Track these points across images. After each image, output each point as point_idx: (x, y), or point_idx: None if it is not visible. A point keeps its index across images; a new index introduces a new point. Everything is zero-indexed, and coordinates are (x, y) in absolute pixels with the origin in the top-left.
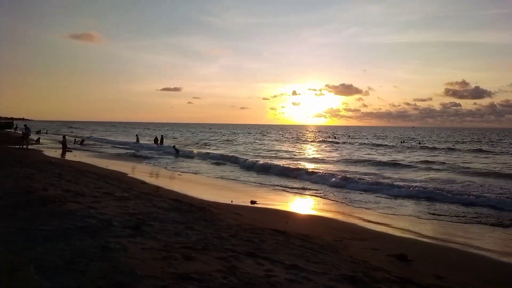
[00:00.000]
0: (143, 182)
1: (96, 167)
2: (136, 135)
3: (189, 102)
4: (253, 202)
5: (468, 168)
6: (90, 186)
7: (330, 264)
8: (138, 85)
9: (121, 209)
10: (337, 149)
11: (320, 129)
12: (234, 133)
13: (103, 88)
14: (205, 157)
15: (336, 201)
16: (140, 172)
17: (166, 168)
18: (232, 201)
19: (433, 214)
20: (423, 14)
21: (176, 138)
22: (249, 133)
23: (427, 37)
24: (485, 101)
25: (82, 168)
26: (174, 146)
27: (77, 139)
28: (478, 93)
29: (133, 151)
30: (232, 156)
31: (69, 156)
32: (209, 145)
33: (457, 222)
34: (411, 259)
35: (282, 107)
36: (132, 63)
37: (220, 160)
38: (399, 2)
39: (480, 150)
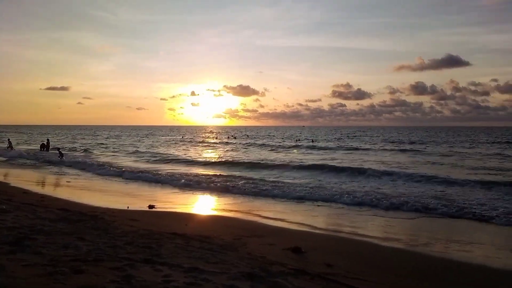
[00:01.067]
0: (25, 192)
1: None
2: (8, 139)
3: (79, 103)
4: (151, 206)
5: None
6: None
7: (229, 263)
8: (18, 83)
9: None
10: (232, 150)
11: (219, 130)
12: (118, 135)
13: None
14: (88, 163)
15: (236, 200)
16: (22, 180)
17: (51, 175)
18: (128, 207)
19: (321, 206)
20: (311, 19)
21: (58, 142)
22: (136, 135)
23: (316, 42)
24: (366, 102)
25: None
26: (59, 149)
27: None
28: (360, 94)
29: (7, 158)
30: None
31: None
32: (90, 150)
33: (343, 214)
34: (305, 251)
35: (181, 107)
36: (11, 59)
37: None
38: (290, 7)
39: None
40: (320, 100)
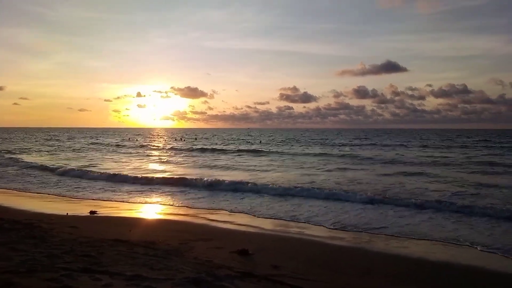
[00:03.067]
0: None
1: None
2: None
3: (15, 103)
4: (92, 212)
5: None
6: None
7: (175, 268)
8: None
9: None
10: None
11: (167, 132)
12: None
13: None
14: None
15: (182, 204)
16: None
17: None
18: (67, 213)
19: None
20: (260, 23)
21: None
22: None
23: (264, 45)
24: (312, 105)
25: None
26: None
27: None
28: (306, 97)
29: None
30: None
31: None
32: None
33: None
34: (252, 253)
35: (126, 109)
36: None
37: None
38: (239, 10)
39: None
40: (268, 102)
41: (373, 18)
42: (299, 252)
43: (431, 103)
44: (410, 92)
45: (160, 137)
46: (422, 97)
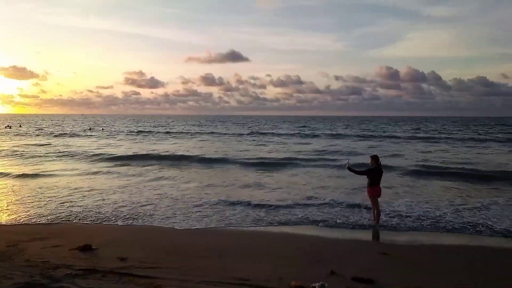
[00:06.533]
0: None
1: None
2: None
3: None
4: None
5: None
6: None
7: (1, 275)
8: None
9: None
10: None
11: None
12: None
13: None
14: None
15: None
16: None
17: None
18: None
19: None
20: (102, 1)
21: None
22: None
23: (109, 25)
24: (160, 91)
25: None
26: None
27: None
28: (154, 83)
29: None
30: None
31: None
32: None
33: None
34: (96, 248)
35: None
36: None
37: None
38: None
39: None
40: (112, 87)
41: (221, 7)
42: (148, 241)
43: (271, 91)
44: (253, 81)
45: None
46: (263, 86)
